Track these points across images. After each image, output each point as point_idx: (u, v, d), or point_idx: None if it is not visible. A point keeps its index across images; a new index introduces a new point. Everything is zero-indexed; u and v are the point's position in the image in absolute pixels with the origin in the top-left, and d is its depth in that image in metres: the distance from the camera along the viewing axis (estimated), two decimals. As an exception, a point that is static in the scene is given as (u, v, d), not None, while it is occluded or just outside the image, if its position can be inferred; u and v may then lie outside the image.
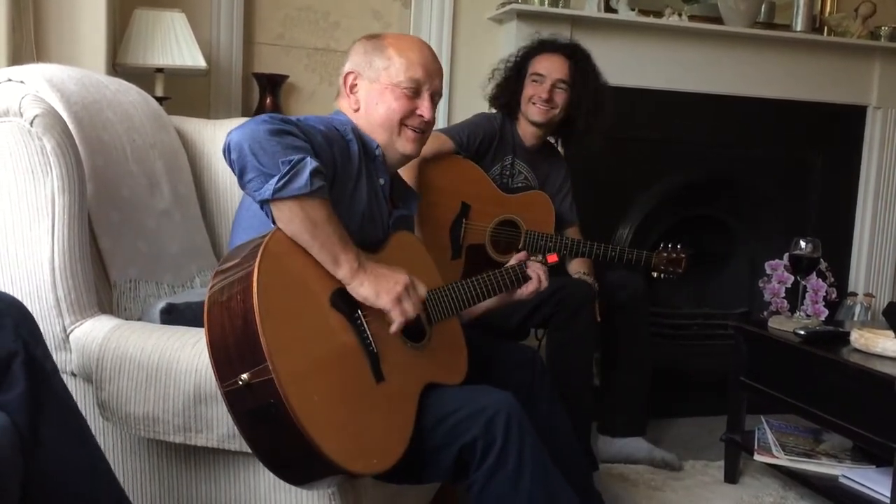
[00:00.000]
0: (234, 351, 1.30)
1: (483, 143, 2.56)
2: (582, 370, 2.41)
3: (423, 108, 1.70)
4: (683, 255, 2.55)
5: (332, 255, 1.44)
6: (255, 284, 1.30)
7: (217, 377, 1.31)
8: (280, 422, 1.27)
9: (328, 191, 1.42)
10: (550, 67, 2.58)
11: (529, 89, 2.60)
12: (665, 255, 2.55)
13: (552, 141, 2.78)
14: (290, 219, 1.39)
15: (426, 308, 1.64)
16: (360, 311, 1.48)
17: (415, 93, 1.69)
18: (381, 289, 1.47)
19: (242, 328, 1.29)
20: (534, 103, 2.58)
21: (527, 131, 2.64)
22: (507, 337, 2.36)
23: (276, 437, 1.29)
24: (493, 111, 2.70)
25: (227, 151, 1.38)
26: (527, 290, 1.88)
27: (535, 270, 1.88)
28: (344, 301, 1.46)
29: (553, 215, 2.63)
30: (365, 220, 1.64)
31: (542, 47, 2.65)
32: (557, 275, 2.33)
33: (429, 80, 1.70)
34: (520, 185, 2.63)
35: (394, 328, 1.50)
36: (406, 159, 1.77)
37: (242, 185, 1.39)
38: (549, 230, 2.58)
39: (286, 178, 1.35)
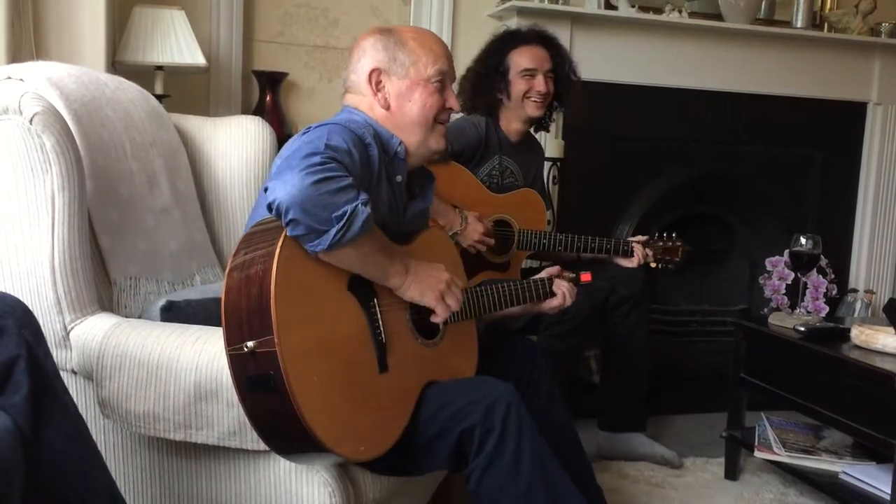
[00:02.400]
0: (245, 316, 1.33)
1: (468, 152, 2.53)
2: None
3: (452, 100, 1.70)
4: (679, 244, 2.56)
5: (381, 273, 1.50)
6: (276, 257, 1.33)
7: (225, 338, 1.34)
8: (276, 393, 1.30)
9: None
10: (537, 60, 2.56)
11: (522, 85, 2.56)
12: (661, 244, 2.55)
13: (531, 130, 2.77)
14: (343, 260, 1.42)
15: None
16: (375, 300, 1.50)
17: (442, 85, 1.68)
18: (425, 288, 1.54)
19: (257, 296, 1.32)
20: (531, 98, 2.57)
21: (512, 128, 2.62)
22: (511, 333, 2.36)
23: (270, 406, 1.32)
24: (476, 116, 2.61)
25: (277, 213, 1.36)
26: (549, 305, 1.89)
27: (562, 288, 1.88)
28: (362, 288, 1.49)
29: (544, 212, 2.63)
30: (384, 221, 1.63)
31: (517, 39, 2.60)
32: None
33: (450, 69, 1.70)
34: (509, 182, 2.62)
35: (438, 319, 1.57)
36: (434, 155, 1.74)
37: (295, 237, 1.37)
38: (541, 227, 2.58)
39: (342, 231, 1.35)
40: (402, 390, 1.52)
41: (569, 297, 1.89)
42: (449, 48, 1.76)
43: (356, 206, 1.36)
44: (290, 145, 1.51)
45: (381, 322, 1.50)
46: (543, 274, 1.92)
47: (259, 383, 1.32)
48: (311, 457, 1.43)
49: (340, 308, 1.45)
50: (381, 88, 1.67)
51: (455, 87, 1.84)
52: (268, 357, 1.30)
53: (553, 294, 1.88)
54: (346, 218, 1.35)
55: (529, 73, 2.56)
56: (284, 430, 1.34)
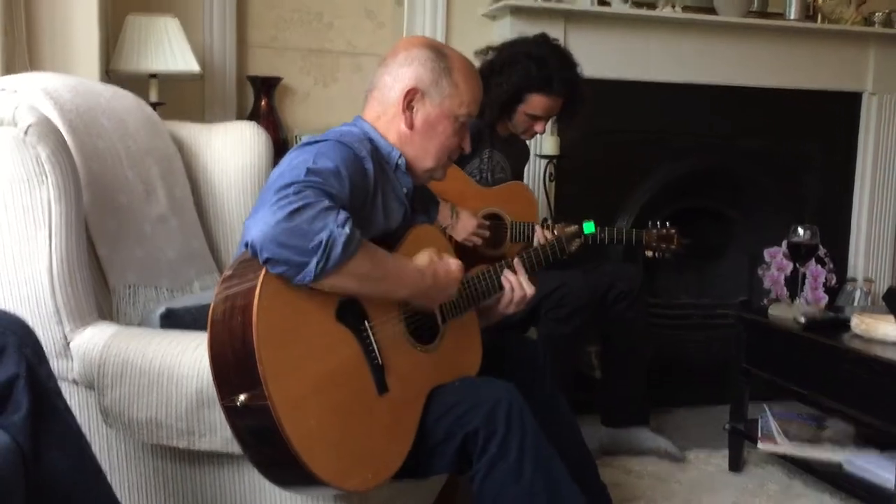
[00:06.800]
0: (232, 370, 1.30)
1: None
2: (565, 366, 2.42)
3: (466, 143, 1.68)
4: (674, 231, 2.54)
5: (385, 294, 1.48)
6: (255, 305, 1.28)
7: (217, 391, 1.32)
8: (274, 444, 1.28)
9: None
10: (550, 110, 2.56)
11: (525, 123, 2.57)
12: (655, 231, 2.54)
13: None
14: (337, 286, 1.38)
15: (440, 306, 1.64)
16: (367, 322, 1.47)
17: (464, 126, 1.66)
18: (434, 301, 1.59)
19: (241, 349, 1.29)
20: (526, 134, 2.61)
21: (503, 129, 2.63)
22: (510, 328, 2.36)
23: (271, 455, 1.31)
24: None
25: (253, 253, 1.33)
26: (503, 305, 1.76)
27: (509, 280, 1.76)
28: (351, 312, 1.45)
29: (535, 204, 2.64)
30: (386, 233, 1.61)
31: (547, 86, 2.51)
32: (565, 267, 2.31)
33: (476, 113, 1.69)
34: (499, 177, 2.62)
35: None
36: (431, 180, 1.74)
37: (279, 273, 1.33)
38: (533, 219, 2.58)
39: (322, 261, 1.31)
40: (405, 405, 1.50)
41: (518, 288, 1.74)
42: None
43: (331, 231, 1.31)
44: (278, 166, 1.47)
45: (374, 344, 1.47)
46: (540, 235, 1.89)
47: (256, 434, 1.30)
48: (318, 491, 1.43)
49: (331, 340, 1.41)
50: (411, 107, 1.63)
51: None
52: (261, 410, 1.26)
53: (501, 287, 1.75)
54: (323, 245, 1.30)
55: (534, 117, 2.56)
56: (288, 475, 1.33)
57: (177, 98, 2.92)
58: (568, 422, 1.86)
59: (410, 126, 1.63)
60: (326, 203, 1.34)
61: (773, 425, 2.49)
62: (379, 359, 1.47)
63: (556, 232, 1.96)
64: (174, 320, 1.64)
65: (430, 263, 1.55)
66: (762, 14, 3.53)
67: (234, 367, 1.30)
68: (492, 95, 2.49)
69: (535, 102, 2.53)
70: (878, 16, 3.51)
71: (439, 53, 1.64)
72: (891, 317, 2.16)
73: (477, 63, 2.60)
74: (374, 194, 1.56)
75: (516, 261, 1.79)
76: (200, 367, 1.45)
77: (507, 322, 2.28)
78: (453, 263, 1.59)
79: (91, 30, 2.44)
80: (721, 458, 2.63)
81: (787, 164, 3.61)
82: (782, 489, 2.46)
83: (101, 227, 1.71)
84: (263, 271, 1.32)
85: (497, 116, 2.56)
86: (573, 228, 2.02)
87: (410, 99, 1.62)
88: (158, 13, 2.76)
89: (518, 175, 2.79)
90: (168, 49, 2.70)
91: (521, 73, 2.50)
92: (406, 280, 1.50)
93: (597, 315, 2.60)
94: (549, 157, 3.12)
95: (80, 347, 1.56)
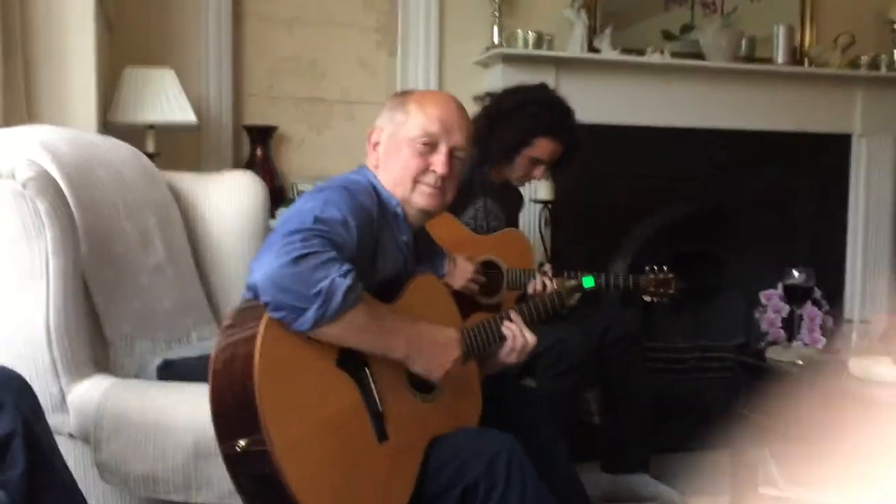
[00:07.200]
0: (233, 415, 1.30)
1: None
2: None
3: (437, 162, 1.65)
4: (671, 276, 2.54)
5: (382, 348, 1.45)
6: (257, 351, 1.29)
7: (217, 436, 1.32)
8: (274, 490, 1.27)
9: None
10: (552, 154, 2.57)
11: (526, 168, 2.57)
12: (653, 276, 2.54)
13: None
14: (334, 337, 1.38)
15: None
16: (367, 370, 1.47)
17: (431, 148, 1.65)
18: (432, 368, 1.50)
19: (242, 394, 1.29)
20: (523, 179, 2.62)
21: (497, 175, 2.63)
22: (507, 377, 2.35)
23: (270, 502, 1.30)
24: None
25: (254, 295, 1.35)
26: (505, 354, 1.74)
27: (511, 329, 1.73)
28: (352, 359, 1.45)
29: (530, 250, 2.64)
30: (388, 282, 1.62)
31: (554, 130, 2.54)
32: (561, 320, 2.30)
33: (446, 135, 1.65)
34: (494, 224, 2.62)
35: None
36: (426, 215, 1.72)
37: (279, 319, 1.35)
38: (529, 266, 2.58)
39: (321, 309, 1.32)
40: (404, 454, 1.49)
41: (520, 336, 1.72)
42: (467, 117, 1.73)
43: (333, 279, 1.32)
44: (289, 210, 1.50)
45: (375, 391, 1.46)
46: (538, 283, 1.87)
47: (256, 481, 1.30)
48: None
49: (331, 387, 1.41)
50: (376, 148, 1.70)
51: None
52: (261, 456, 1.27)
53: (502, 337, 1.73)
54: (324, 293, 1.31)
55: (537, 162, 2.58)
56: None
57: (173, 148, 2.94)
58: (567, 470, 1.83)
59: (376, 164, 1.69)
60: (332, 254, 1.36)
61: (775, 469, 2.47)
62: (379, 406, 1.46)
63: (556, 286, 1.96)
64: (171, 372, 1.63)
65: (427, 331, 1.53)
66: (750, 59, 3.59)
67: (234, 412, 1.30)
68: (498, 138, 2.51)
69: (542, 146, 2.55)
70: (864, 59, 3.57)
71: (400, 94, 1.74)
72: (888, 358, 2.16)
73: (475, 108, 2.65)
74: (377, 240, 1.59)
75: (513, 312, 1.78)
76: (197, 419, 1.44)
77: (505, 371, 2.27)
78: (441, 334, 1.54)
79: (89, 82, 2.46)
80: (723, 503, 2.60)
81: (780, 206, 3.64)
82: (785, 534, 2.43)
83: (98, 277, 1.70)
84: (265, 318, 1.33)
85: (497, 161, 2.58)
86: (572, 283, 2.02)
87: (375, 140, 1.70)
88: (156, 65, 2.80)
89: (513, 222, 2.80)
90: (165, 100, 2.73)
91: (532, 117, 2.53)
92: (402, 340, 1.47)
93: (595, 360, 2.59)
94: (544, 203, 3.14)
95: (77, 401, 1.55)
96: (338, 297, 1.33)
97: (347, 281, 1.34)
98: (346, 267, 1.36)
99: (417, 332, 1.51)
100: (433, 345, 1.51)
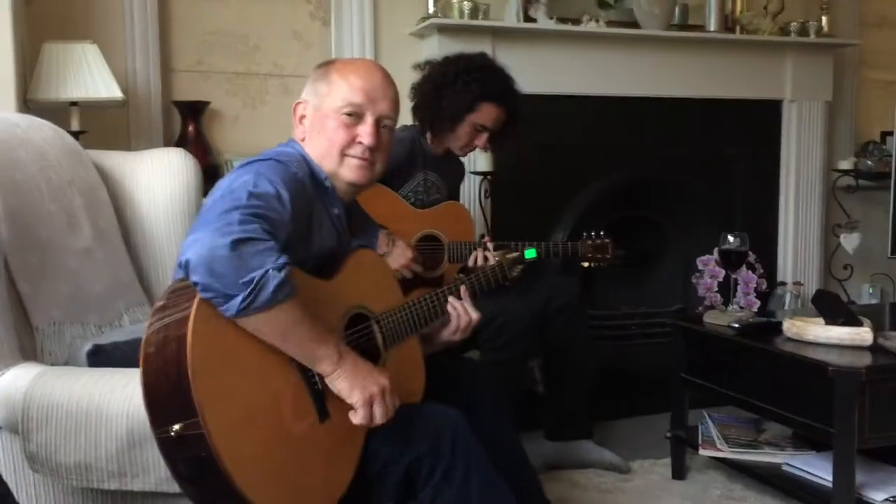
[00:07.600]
0: (166, 400, 1.26)
1: (394, 169, 2.43)
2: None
3: (364, 133, 1.62)
4: (608, 240, 2.60)
5: (308, 354, 1.39)
6: (189, 332, 1.25)
7: (150, 422, 1.28)
8: (211, 474, 1.25)
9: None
10: (494, 120, 2.55)
11: (467, 136, 2.55)
12: (590, 242, 2.59)
13: None
14: (258, 329, 1.33)
15: (381, 331, 1.61)
16: None
17: (356, 119, 1.62)
18: (355, 385, 1.41)
19: (175, 377, 1.25)
20: (466, 148, 2.60)
21: (438, 146, 2.62)
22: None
23: (208, 487, 1.27)
24: (403, 129, 2.52)
25: (186, 273, 1.29)
26: (449, 333, 1.76)
27: (455, 307, 1.75)
28: None
29: (472, 223, 2.64)
30: (324, 256, 1.58)
31: (496, 95, 2.52)
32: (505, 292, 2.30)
33: (371, 105, 1.62)
34: (434, 198, 2.61)
35: (355, 421, 1.41)
36: (355, 188, 1.69)
37: (207, 299, 1.30)
38: (470, 238, 2.58)
39: (249, 298, 1.27)
40: (347, 432, 1.46)
41: (464, 314, 1.74)
42: (394, 86, 1.69)
43: (267, 270, 1.28)
44: (218, 186, 1.45)
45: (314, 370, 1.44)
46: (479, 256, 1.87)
47: (192, 464, 1.26)
48: None
49: (268, 365, 1.36)
50: (302, 121, 1.67)
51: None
52: (196, 439, 1.23)
53: (444, 313, 1.74)
54: (254, 283, 1.27)
55: (481, 129, 2.56)
56: None
57: (100, 126, 2.84)
58: (511, 441, 1.85)
59: (303, 137, 1.67)
60: (270, 243, 1.31)
61: (714, 431, 2.53)
62: (319, 385, 1.43)
63: (497, 259, 1.97)
64: (102, 357, 1.58)
65: (351, 360, 1.44)
66: (683, 27, 3.62)
67: (168, 397, 1.26)
68: (444, 104, 2.50)
69: (486, 112, 2.53)
70: (794, 25, 3.63)
71: (323, 65, 1.70)
72: (820, 319, 2.22)
73: (415, 77, 2.62)
74: (311, 213, 1.56)
75: (463, 287, 1.78)
76: (130, 406, 1.41)
77: (446, 350, 2.27)
78: (371, 365, 1.47)
79: (6, 58, 2.36)
80: (664, 466, 2.65)
81: (715, 172, 3.69)
82: (725, 493, 2.49)
83: (22, 263, 1.64)
84: (197, 299, 1.29)
85: (440, 130, 2.56)
86: (515, 254, 2.02)
87: (301, 113, 1.68)
88: (77, 40, 2.69)
89: (454, 194, 2.78)
90: (88, 76, 2.63)
91: (478, 81, 2.51)
92: (332, 350, 1.40)
93: (538, 329, 2.61)
94: (484, 174, 3.13)
95: (3, 391, 1.49)
96: (268, 289, 1.28)
97: (281, 276, 1.29)
98: (282, 259, 1.31)
99: (350, 352, 1.44)
100: (366, 369, 1.44)
